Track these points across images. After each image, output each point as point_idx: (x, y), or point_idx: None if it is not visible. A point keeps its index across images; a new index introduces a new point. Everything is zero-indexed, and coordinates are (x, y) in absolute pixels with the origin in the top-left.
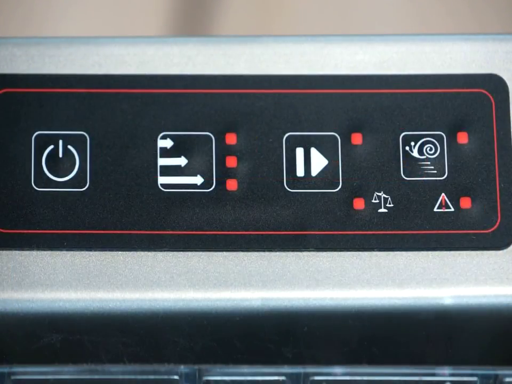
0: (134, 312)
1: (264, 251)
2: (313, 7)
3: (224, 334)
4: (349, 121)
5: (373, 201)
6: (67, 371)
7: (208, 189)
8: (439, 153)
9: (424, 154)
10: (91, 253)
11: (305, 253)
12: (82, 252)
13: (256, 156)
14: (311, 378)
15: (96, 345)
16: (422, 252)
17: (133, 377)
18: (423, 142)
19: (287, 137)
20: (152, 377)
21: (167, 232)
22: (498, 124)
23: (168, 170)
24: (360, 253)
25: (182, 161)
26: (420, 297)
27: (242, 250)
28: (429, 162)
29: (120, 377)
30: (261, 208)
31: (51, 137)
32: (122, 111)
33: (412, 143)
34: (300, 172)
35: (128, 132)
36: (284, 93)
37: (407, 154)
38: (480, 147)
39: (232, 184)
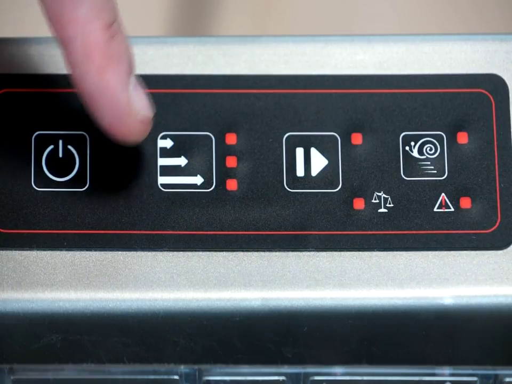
0: (134, 312)
1: (264, 251)
2: (313, 7)
3: (224, 334)
4: (349, 121)
5: (373, 201)
6: (67, 371)
7: (208, 189)
8: (439, 153)
9: (424, 154)
10: (91, 253)
11: (305, 253)
12: (82, 252)
13: (256, 156)
14: (311, 378)
15: (96, 345)
16: (422, 252)
17: (133, 377)
18: (423, 142)
19: (287, 137)
20: (152, 377)
21: (167, 232)
22: (498, 124)
23: (168, 170)
24: (360, 253)
25: (182, 161)
26: (420, 297)
27: (242, 250)
28: (429, 162)
29: (120, 377)
30: (261, 208)
31: (51, 137)
32: None
33: (412, 143)
34: (300, 172)
35: None
36: (284, 93)
37: (407, 154)
38: (480, 147)
39: (232, 184)
